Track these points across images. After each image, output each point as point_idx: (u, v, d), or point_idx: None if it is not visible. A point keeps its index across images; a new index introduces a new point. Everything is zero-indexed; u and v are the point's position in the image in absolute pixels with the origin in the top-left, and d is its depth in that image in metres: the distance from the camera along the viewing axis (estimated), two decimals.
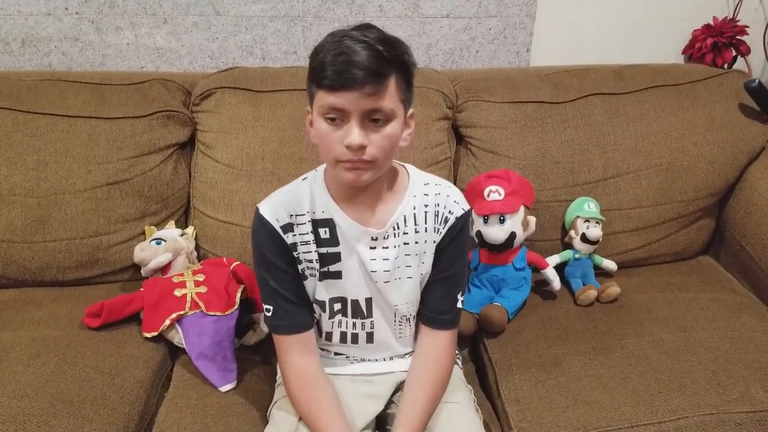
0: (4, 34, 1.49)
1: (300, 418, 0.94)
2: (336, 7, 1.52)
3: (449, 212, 0.95)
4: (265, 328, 1.20)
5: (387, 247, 0.94)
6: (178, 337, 1.14)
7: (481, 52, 1.64)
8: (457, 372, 1.08)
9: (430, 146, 1.36)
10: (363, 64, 0.76)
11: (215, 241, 1.33)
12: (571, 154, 1.39)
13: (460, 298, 0.99)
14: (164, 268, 1.24)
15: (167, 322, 1.13)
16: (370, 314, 0.98)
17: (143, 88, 1.36)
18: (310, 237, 0.93)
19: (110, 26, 1.51)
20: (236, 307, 1.16)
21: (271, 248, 0.92)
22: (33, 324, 1.16)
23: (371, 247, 0.94)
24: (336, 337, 1.01)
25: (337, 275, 0.95)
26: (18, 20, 1.48)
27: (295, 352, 0.96)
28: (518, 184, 1.28)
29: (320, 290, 0.96)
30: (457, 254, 0.97)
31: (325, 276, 0.95)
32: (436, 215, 0.95)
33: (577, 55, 1.64)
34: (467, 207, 0.97)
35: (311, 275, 0.96)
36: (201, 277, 1.19)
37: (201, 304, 1.14)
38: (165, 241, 1.25)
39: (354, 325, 0.99)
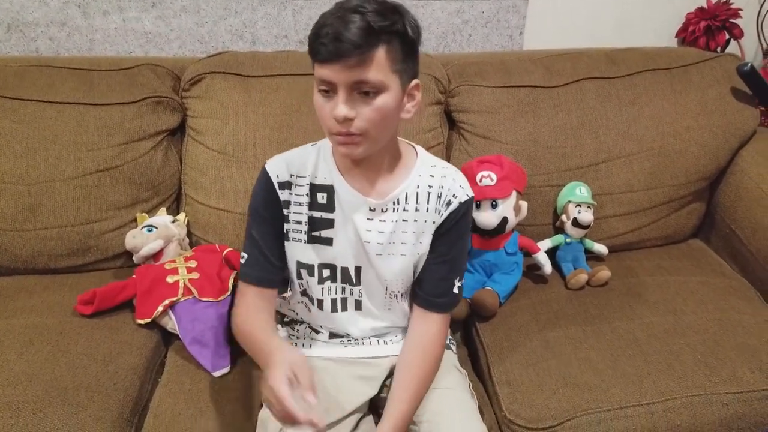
0: None
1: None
2: None
3: (453, 196, 0.95)
4: None
5: (384, 221, 0.95)
6: (171, 323, 1.15)
7: (473, 35, 1.62)
8: (451, 357, 1.08)
9: (423, 131, 1.36)
10: (345, 36, 0.76)
11: (207, 227, 1.32)
12: (563, 138, 1.39)
13: (457, 283, 1.00)
14: (156, 255, 1.24)
15: (160, 308, 1.13)
16: (358, 283, 0.99)
17: (132, 73, 1.35)
18: (305, 199, 0.95)
19: (97, 10, 1.48)
20: (229, 292, 1.16)
21: (264, 200, 0.95)
22: (26, 312, 1.16)
23: (368, 218, 0.95)
24: (327, 305, 1.01)
25: (328, 242, 0.96)
26: (3, 4, 1.45)
27: (251, 298, 0.97)
28: (510, 169, 1.28)
29: (309, 254, 0.98)
30: (456, 239, 0.98)
31: (314, 240, 0.97)
32: (439, 197, 0.96)
33: (570, 38, 1.64)
34: (471, 194, 0.97)
35: (295, 238, 0.97)
36: (193, 264, 1.20)
37: (194, 290, 1.14)
38: (156, 228, 1.24)
39: (343, 290, 1.00)
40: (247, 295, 0.98)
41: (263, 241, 0.96)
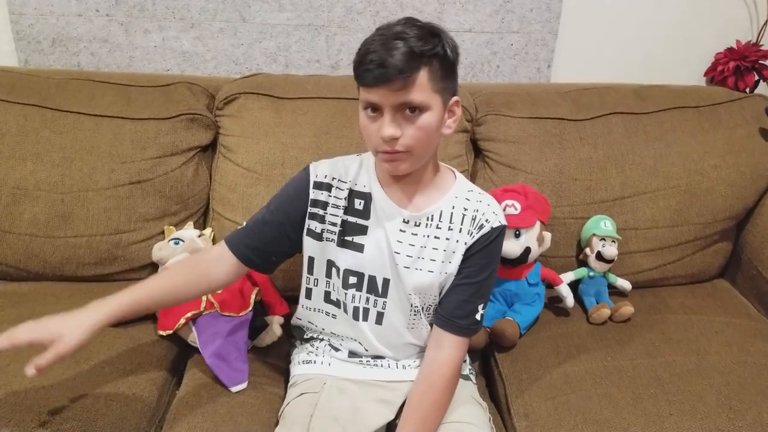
0: (35, 32, 1.53)
1: (312, 415, 0.95)
2: (360, 18, 1.54)
3: (486, 220, 0.97)
4: (278, 330, 1.21)
5: (416, 234, 0.97)
6: (192, 336, 1.16)
7: (502, 66, 1.65)
8: (470, 388, 1.07)
9: (448, 159, 1.36)
10: (389, 63, 0.81)
11: None
12: (589, 171, 1.39)
13: (480, 310, 1.00)
14: None
15: (182, 321, 1.14)
16: (385, 295, 1.00)
17: (169, 90, 1.39)
18: (342, 203, 0.98)
19: (139, 29, 1.54)
20: (250, 308, 1.17)
21: (292, 190, 1.01)
22: None
23: (401, 230, 0.97)
24: (350, 311, 1.02)
25: (359, 248, 0.99)
26: (50, 20, 1.52)
27: (217, 251, 1.00)
28: (534, 199, 1.29)
29: (339, 257, 1.00)
30: (485, 264, 0.99)
31: (345, 245, 0.99)
32: (473, 219, 0.98)
33: (598, 73, 1.65)
34: (505, 222, 0.99)
35: (328, 239, 1.00)
36: None
37: (216, 304, 1.15)
38: (183, 241, 1.27)
39: (367, 300, 1.01)
40: (214, 251, 1.02)
41: (264, 225, 0.99)
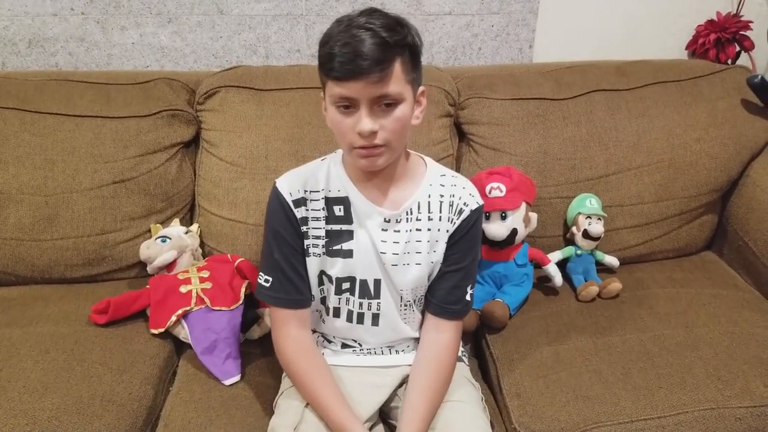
0: (11, 34, 1.51)
1: (306, 405, 0.95)
2: (338, 5, 1.53)
3: (464, 204, 0.97)
4: (269, 323, 1.21)
5: (399, 231, 0.96)
6: (183, 333, 1.16)
7: (483, 49, 1.64)
8: (463, 369, 1.08)
9: (432, 143, 1.37)
10: (367, 54, 0.78)
11: (220, 238, 1.34)
12: (573, 150, 1.39)
13: (469, 290, 1.01)
14: (170, 266, 1.26)
15: (173, 318, 1.14)
16: (377, 296, 1.00)
17: (148, 87, 1.37)
18: (322, 213, 0.96)
19: (115, 26, 1.52)
20: (241, 302, 1.18)
21: (282, 220, 0.95)
22: (42, 320, 1.18)
23: (383, 229, 0.96)
24: (343, 315, 1.02)
25: (349, 254, 0.97)
26: (25, 21, 1.50)
27: (293, 325, 0.98)
28: (519, 180, 1.29)
29: (330, 265, 0.98)
30: (469, 247, 0.99)
31: (335, 254, 0.97)
32: (451, 205, 0.97)
33: (580, 51, 1.64)
34: (481, 202, 0.99)
35: (314, 254, 0.97)
36: (206, 274, 1.21)
37: (206, 299, 1.15)
38: (170, 238, 1.26)
39: (361, 305, 1.00)
40: (290, 325, 0.98)
41: (288, 263, 0.96)
